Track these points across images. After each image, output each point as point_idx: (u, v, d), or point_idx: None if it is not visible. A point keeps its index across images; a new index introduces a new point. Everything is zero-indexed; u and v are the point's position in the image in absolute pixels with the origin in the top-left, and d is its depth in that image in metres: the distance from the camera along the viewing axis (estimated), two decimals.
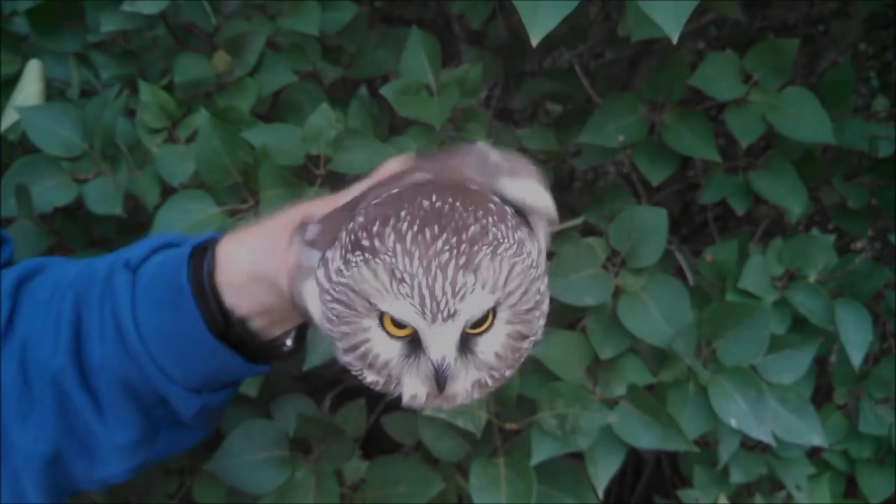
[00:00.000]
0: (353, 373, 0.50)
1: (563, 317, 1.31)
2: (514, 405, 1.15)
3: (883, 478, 1.39)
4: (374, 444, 1.32)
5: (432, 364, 0.46)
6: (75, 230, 1.23)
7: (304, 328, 0.70)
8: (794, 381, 1.23)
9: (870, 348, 1.29)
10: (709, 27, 1.67)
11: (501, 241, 0.46)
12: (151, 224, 1.06)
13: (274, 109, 1.27)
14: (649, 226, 1.23)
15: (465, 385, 0.49)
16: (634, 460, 1.79)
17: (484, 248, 0.45)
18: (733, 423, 1.17)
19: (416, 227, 0.44)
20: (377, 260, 0.44)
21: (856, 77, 1.43)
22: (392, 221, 0.45)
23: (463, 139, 1.25)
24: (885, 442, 1.39)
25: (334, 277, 0.47)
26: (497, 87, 1.44)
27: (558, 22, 0.80)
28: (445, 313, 0.44)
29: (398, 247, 0.44)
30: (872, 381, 1.38)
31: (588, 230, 1.35)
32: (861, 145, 1.37)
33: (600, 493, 1.15)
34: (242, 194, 1.10)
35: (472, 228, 0.45)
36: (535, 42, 0.80)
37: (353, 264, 0.45)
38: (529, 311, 0.48)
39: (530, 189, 0.57)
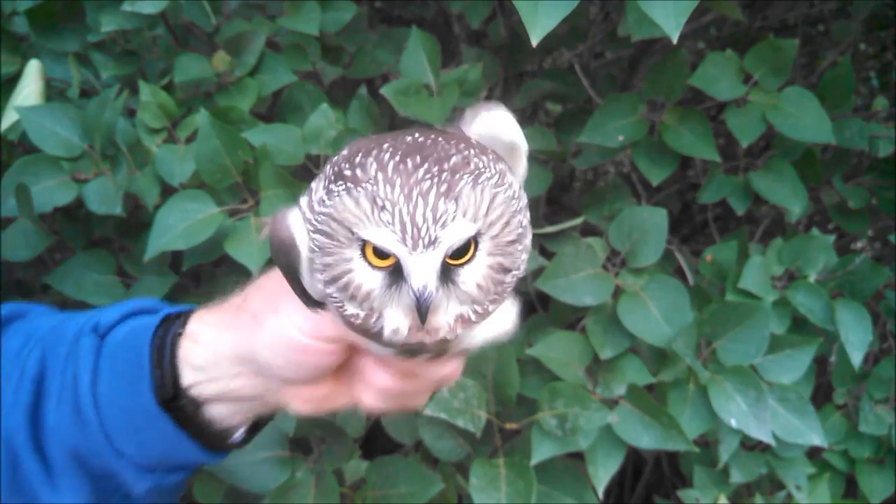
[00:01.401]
0: (335, 307, 0.50)
1: (563, 317, 1.31)
2: (514, 405, 1.15)
3: (883, 478, 1.39)
4: (374, 444, 1.32)
5: (413, 293, 0.45)
6: (75, 230, 1.23)
7: (261, 420, 0.68)
8: (794, 381, 1.23)
9: (870, 348, 1.29)
10: (709, 27, 1.67)
11: (483, 170, 0.46)
12: (151, 224, 1.06)
13: (274, 109, 1.27)
14: (649, 226, 1.23)
15: (447, 319, 0.48)
16: (634, 460, 1.79)
17: (465, 176, 0.45)
18: (733, 423, 1.17)
19: (398, 157, 0.45)
20: (359, 189, 0.45)
21: (856, 77, 1.43)
22: (374, 152, 0.46)
23: None
24: (885, 442, 1.39)
25: (317, 208, 0.47)
26: (497, 87, 1.44)
27: (558, 22, 0.80)
28: (427, 240, 0.44)
29: (380, 175, 0.45)
30: (872, 381, 1.38)
31: (588, 230, 1.35)
32: (861, 145, 1.37)
33: (600, 493, 1.15)
34: (242, 194, 1.10)
35: (454, 159, 0.46)
36: (535, 42, 0.80)
37: (336, 194, 0.46)
38: (511, 243, 0.48)
39: (497, 117, 0.58)
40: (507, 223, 0.48)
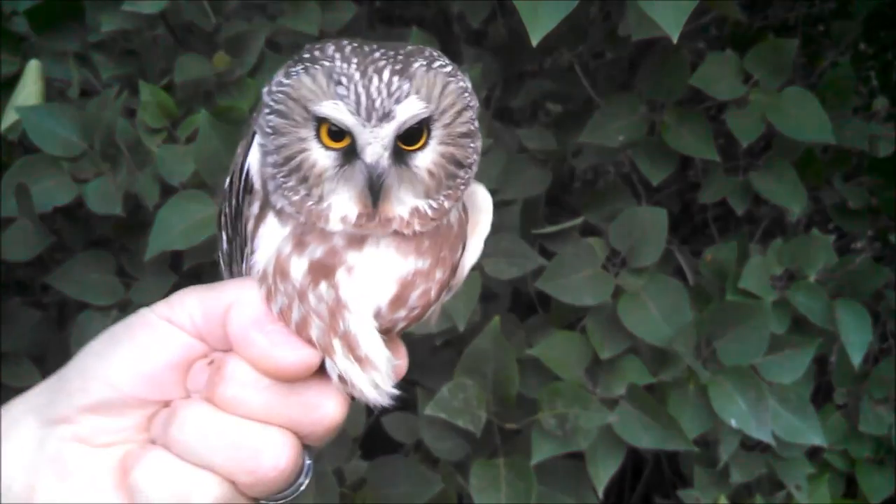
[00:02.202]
0: (284, 193, 0.48)
1: (563, 317, 1.31)
2: (514, 405, 1.15)
3: (883, 478, 1.39)
4: (374, 444, 1.32)
5: (366, 166, 0.46)
6: (75, 230, 1.23)
7: None
8: (794, 381, 1.23)
9: (870, 348, 1.29)
10: (709, 27, 1.67)
11: (437, 59, 0.48)
12: (151, 224, 1.06)
13: None
14: (649, 226, 1.23)
15: (401, 210, 0.48)
16: (634, 460, 1.79)
17: (420, 59, 0.47)
18: (733, 423, 1.17)
19: (356, 44, 0.47)
20: (316, 66, 0.46)
21: (856, 77, 1.43)
22: (335, 42, 0.48)
23: None
24: (885, 442, 1.39)
25: (275, 88, 0.48)
26: (497, 87, 1.43)
27: (558, 22, 0.80)
28: (380, 112, 0.45)
29: (337, 55, 0.46)
30: (872, 381, 1.38)
31: (588, 230, 1.35)
32: (861, 145, 1.38)
33: (600, 493, 1.15)
34: None
35: (410, 49, 0.48)
36: (535, 42, 0.80)
37: (294, 73, 0.47)
38: (463, 136, 0.49)
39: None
40: (459, 113, 0.48)
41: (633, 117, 1.28)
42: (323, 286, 0.48)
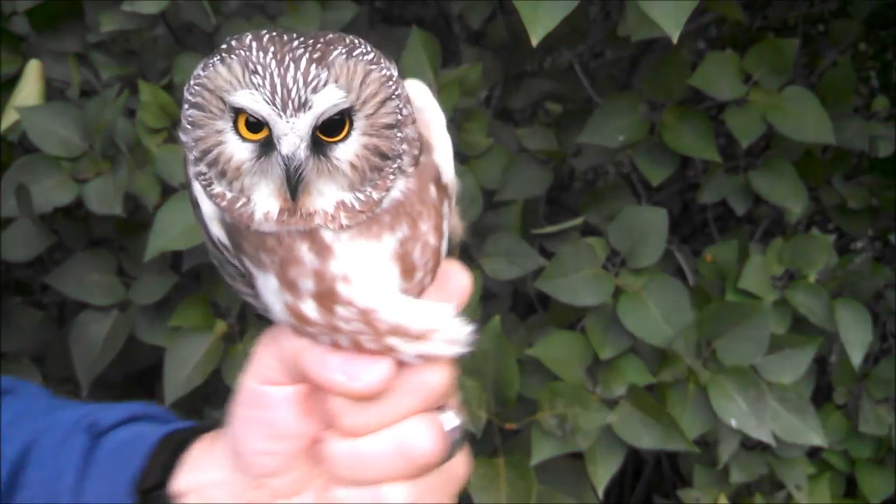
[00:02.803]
0: (207, 192, 0.48)
1: (563, 317, 1.31)
2: (514, 405, 1.15)
3: (883, 478, 1.39)
4: None
5: (282, 158, 0.44)
6: (75, 230, 1.23)
7: None
8: (794, 381, 1.23)
9: (870, 348, 1.29)
10: (709, 27, 1.67)
11: (358, 46, 0.46)
12: (151, 224, 1.06)
13: None
14: (649, 226, 1.23)
15: (324, 204, 0.46)
16: (634, 460, 1.79)
17: (340, 47, 0.45)
18: (733, 423, 1.17)
19: (275, 34, 0.45)
20: (232, 56, 0.45)
21: (856, 77, 1.43)
22: (254, 32, 0.46)
23: (463, 140, 1.25)
24: (885, 442, 1.39)
25: (192, 81, 0.47)
26: (497, 87, 1.44)
27: (558, 22, 0.80)
28: (297, 102, 0.43)
29: (254, 44, 0.44)
30: (872, 381, 1.38)
31: (588, 230, 1.35)
32: (861, 145, 1.38)
33: (600, 493, 1.15)
34: None
35: (331, 37, 0.46)
36: (535, 42, 0.80)
37: (211, 65, 0.46)
38: (388, 126, 0.47)
39: (412, 85, 0.55)
40: (383, 103, 0.46)
41: (633, 117, 1.28)
42: (340, 310, 0.47)
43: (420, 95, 0.53)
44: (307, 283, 0.47)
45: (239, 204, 0.47)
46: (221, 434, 0.57)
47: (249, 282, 0.51)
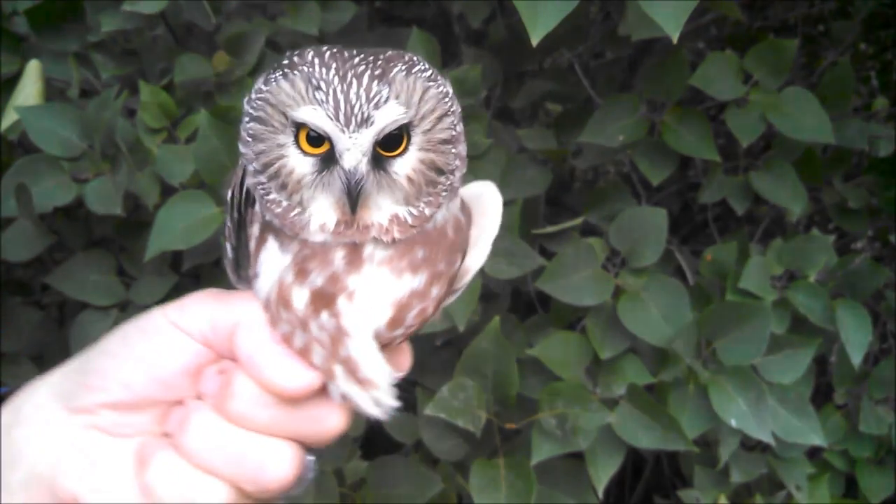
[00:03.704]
0: (263, 200, 0.49)
1: (563, 317, 1.31)
2: (514, 405, 1.15)
3: (883, 478, 1.39)
4: (374, 444, 1.32)
5: (344, 173, 0.45)
6: (75, 230, 1.23)
7: None
8: (794, 381, 1.23)
9: (870, 348, 1.29)
10: (709, 27, 1.67)
11: (416, 64, 0.47)
12: (151, 224, 1.06)
13: None
14: (649, 226, 1.23)
15: (379, 217, 0.48)
16: (634, 460, 1.79)
17: (399, 64, 0.46)
18: (733, 423, 1.17)
19: (335, 50, 0.47)
20: (295, 72, 0.46)
21: (856, 77, 1.43)
22: (314, 48, 0.47)
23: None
24: (885, 442, 1.39)
25: (254, 95, 0.48)
26: (497, 87, 1.43)
27: (558, 22, 0.80)
28: (359, 118, 0.44)
29: (316, 60, 0.46)
30: (872, 381, 1.38)
31: (588, 230, 1.35)
32: (861, 145, 1.38)
33: (600, 493, 1.15)
34: None
35: (390, 54, 0.47)
36: (535, 42, 0.80)
37: (273, 80, 0.47)
38: (444, 142, 0.48)
39: (487, 187, 0.59)
40: (440, 119, 0.48)
41: (633, 117, 1.28)
42: (324, 315, 0.48)
43: (492, 202, 0.55)
44: (318, 279, 0.48)
45: (293, 213, 0.48)
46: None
47: (238, 234, 0.52)
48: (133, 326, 0.51)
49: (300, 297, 0.48)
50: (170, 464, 0.49)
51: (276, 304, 0.49)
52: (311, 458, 0.53)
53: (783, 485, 1.31)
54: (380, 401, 0.50)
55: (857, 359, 1.26)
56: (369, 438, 1.30)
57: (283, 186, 0.48)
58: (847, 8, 1.57)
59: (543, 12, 0.80)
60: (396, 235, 0.48)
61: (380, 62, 0.46)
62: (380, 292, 0.49)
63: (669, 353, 1.19)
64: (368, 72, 0.45)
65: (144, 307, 1.20)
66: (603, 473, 1.15)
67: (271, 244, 0.50)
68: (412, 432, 1.22)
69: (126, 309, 1.22)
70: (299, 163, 0.47)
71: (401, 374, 0.53)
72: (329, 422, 0.51)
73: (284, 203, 0.48)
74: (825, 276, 1.31)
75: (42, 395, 0.52)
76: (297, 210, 0.48)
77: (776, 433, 1.19)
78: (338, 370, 0.49)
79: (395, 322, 0.50)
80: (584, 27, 1.47)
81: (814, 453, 1.39)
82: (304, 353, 0.49)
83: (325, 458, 1.15)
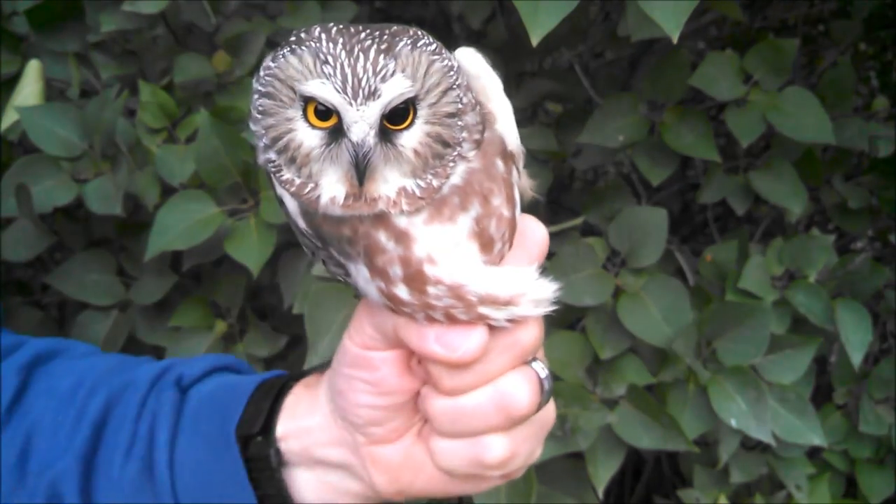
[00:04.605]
0: (273, 173, 0.50)
1: (563, 317, 1.31)
2: None
3: (883, 478, 1.39)
4: None
5: (352, 145, 0.46)
6: (75, 230, 1.23)
7: None
8: (794, 381, 1.23)
9: (870, 348, 1.29)
10: (709, 27, 1.67)
11: (421, 38, 0.48)
12: (151, 224, 1.06)
13: None
14: (649, 226, 1.23)
15: (387, 190, 0.48)
16: (634, 460, 1.79)
17: (405, 38, 0.47)
18: (733, 423, 1.17)
19: (342, 26, 0.48)
20: (303, 47, 0.47)
21: (856, 77, 1.43)
22: (321, 24, 0.49)
23: None
24: (885, 442, 1.39)
25: (262, 73, 0.49)
26: None
27: (558, 22, 0.80)
28: (366, 90, 0.45)
29: (323, 36, 0.46)
30: (872, 381, 1.38)
31: (588, 230, 1.35)
32: (861, 145, 1.37)
33: (600, 493, 1.15)
34: (242, 194, 1.10)
35: (395, 28, 0.48)
36: (535, 42, 0.80)
37: (281, 56, 0.48)
38: (450, 115, 0.49)
39: (466, 53, 0.58)
40: (445, 92, 0.49)
41: (633, 117, 1.28)
42: (430, 289, 0.50)
43: (474, 63, 0.55)
44: (396, 270, 0.50)
45: (307, 189, 0.49)
46: (314, 383, 0.61)
47: (340, 264, 0.53)
48: (347, 361, 0.56)
49: (403, 292, 0.50)
50: (443, 448, 0.55)
51: (396, 307, 0.51)
52: (540, 366, 0.55)
53: (783, 485, 1.31)
54: (537, 302, 0.52)
55: (857, 359, 1.26)
56: None
57: (293, 160, 0.49)
58: (847, 8, 1.57)
59: (543, 12, 0.80)
60: (405, 208, 0.48)
61: (386, 37, 0.47)
62: (448, 240, 0.50)
63: (669, 353, 1.19)
64: (375, 46, 0.46)
65: (144, 307, 1.20)
66: (603, 473, 1.15)
67: (346, 262, 0.52)
68: None
69: (126, 309, 1.22)
70: (308, 136, 0.48)
71: (540, 245, 0.55)
72: (524, 336, 0.53)
73: (297, 180, 0.49)
74: (825, 276, 1.31)
75: (324, 393, 0.60)
76: (310, 186, 0.49)
77: (776, 433, 1.19)
78: (486, 311, 0.51)
79: (485, 245, 0.51)
80: (584, 27, 1.47)
81: (814, 453, 1.39)
82: (451, 320, 0.51)
83: None
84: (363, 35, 0.46)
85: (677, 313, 1.19)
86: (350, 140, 0.46)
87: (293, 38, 0.48)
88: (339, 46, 0.46)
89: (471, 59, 0.54)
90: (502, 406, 0.52)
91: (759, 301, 1.24)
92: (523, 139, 0.59)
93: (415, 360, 0.55)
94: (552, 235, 1.32)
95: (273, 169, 0.50)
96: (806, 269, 1.30)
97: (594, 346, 1.21)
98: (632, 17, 1.11)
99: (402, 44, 0.46)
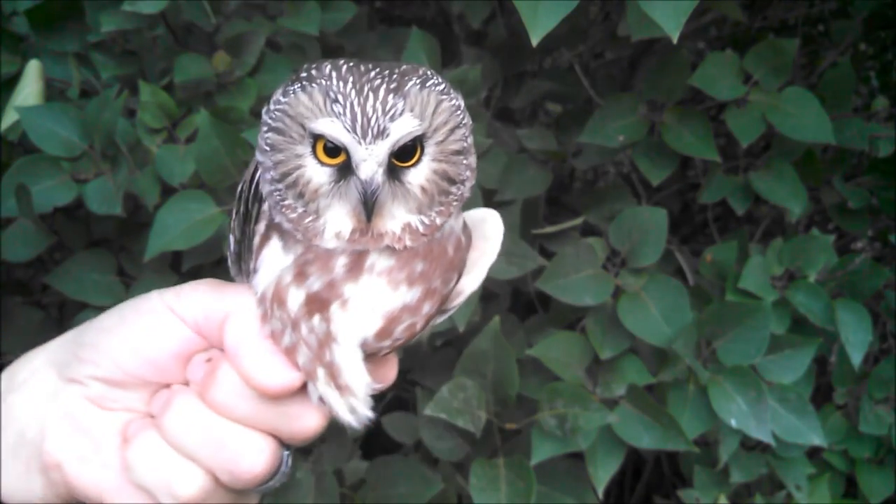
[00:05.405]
0: (279, 206, 0.50)
1: (563, 317, 1.31)
2: (514, 405, 1.15)
3: (883, 478, 1.39)
4: (374, 444, 1.32)
5: (361, 183, 0.47)
6: (75, 230, 1.23)
7: None
8: (794, 381, 1.24)
9: (870, 348, 1.29)
10: (709, 27, 1.67)
11: (430, 78, 0.49)
12: (151, 224, 1.06)
13: None
14: (649, 226, 1.23)
15: (393, 226, 0.49)
16: (634, 460, 1.79)
17: (414, 78, 0.48)
18: (733, 423, 1.17)
19: (352, 64, 0.48)
20: (313, 85, 0.47)
21: (856, 77, 1.43)
22: (332, 61, 0.49)
23: None
24: (885, 442, 1.39)
25: (272, 107, 0.50)
26: (497, 87, 1.43)
27: (558, 22, 0.80)
28: (375, 130, 0.46)
29: (334, 73, 0.47)
30: (872, 381, 1.38)
31: (588, 230, 1.35)
32: (861, 145, 1.38)
33: (600, 493, 1.15)
34: None
35: (405, 68, 0.49)
36: (535, 42, 0.80)
37: (291, 92, 0.48)
38: (456, 153, 0.50)
39: (489, 214, 0.62)
40: (452, 131, 0.50)
41: (633, 117, 1.28)
42: (316, 319, 0.50)
43: (494, 227, 0.58)
44: (315, 283, 0.50)
45: (308, 220, 0.49)
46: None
47: (243, 228, 0.54)
48: (130, 305, 0.53)
49: (296, 298, 0.50)
50: (151, 445, 0.50)
51: (271, 301, 0.50)
52: (287, 452, 0.54)
53: (783, 485, 1.31)
54: (355, 409, 0.52)
55: (857, 359, 1.26)
56: (369, 438, 1.30)
57: (301, 195, 0.49)
58: (847, 8, 1.57)
59: (543, 12, 0.80)
60: (408, 243, 0.49)
61: (395, 76, 0.47)
62: (373, 303, 0.50)
63: (669, 353, 1.19)
64: (384, 85, 0.47)
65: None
66: (603, 473, 1.15)
67: (275, 243, 0.52)
68: (412, 432, 1.23)
69: None
70: (316, 172, 0.49)
71: (382, 386, 0.54)
72: (306, 421, 0.52)
73: (300, 210, 0.49)
74: (825, 276, 1.31)
75: (39, 361, 0.54)
76: (313, 217, 0.49)
77: (776, 433, 1.19)
78: (320, 373, 0.50)
79: (383, 333, 0.51)
80: (584, 27, 1.47)
81: (814, 453, 1.39)
82: (289, 351, 0.50)
83: (323, 459, 1.15)
84: (373, 73, 0.47)
85: (677, 313, 1.19)
86: (359, 178, 0.47)
87: (304, 74, 0.48)
88: (350, 85, 0.46)
89: (493, 224, 0.58)
90: (235, 453, 0.50)
91: (759, 301, 1.24)
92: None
93: (203, 358, 0.52)
94: (552, 235, 1.33)
95: (278, 198, 0.50)
96: (806, 269, 1.30)
97: (594, 346, 1.21)
98: (632, 17, 1.11)
99: (410, 83, 0.47)
